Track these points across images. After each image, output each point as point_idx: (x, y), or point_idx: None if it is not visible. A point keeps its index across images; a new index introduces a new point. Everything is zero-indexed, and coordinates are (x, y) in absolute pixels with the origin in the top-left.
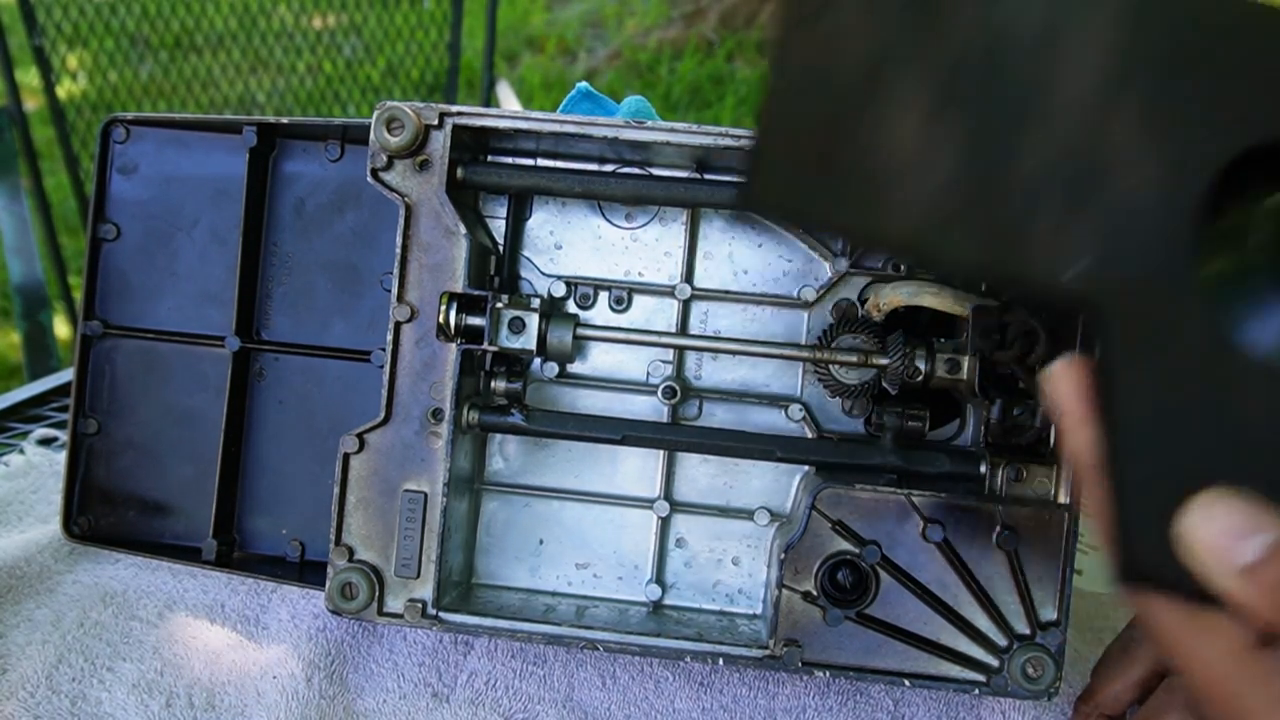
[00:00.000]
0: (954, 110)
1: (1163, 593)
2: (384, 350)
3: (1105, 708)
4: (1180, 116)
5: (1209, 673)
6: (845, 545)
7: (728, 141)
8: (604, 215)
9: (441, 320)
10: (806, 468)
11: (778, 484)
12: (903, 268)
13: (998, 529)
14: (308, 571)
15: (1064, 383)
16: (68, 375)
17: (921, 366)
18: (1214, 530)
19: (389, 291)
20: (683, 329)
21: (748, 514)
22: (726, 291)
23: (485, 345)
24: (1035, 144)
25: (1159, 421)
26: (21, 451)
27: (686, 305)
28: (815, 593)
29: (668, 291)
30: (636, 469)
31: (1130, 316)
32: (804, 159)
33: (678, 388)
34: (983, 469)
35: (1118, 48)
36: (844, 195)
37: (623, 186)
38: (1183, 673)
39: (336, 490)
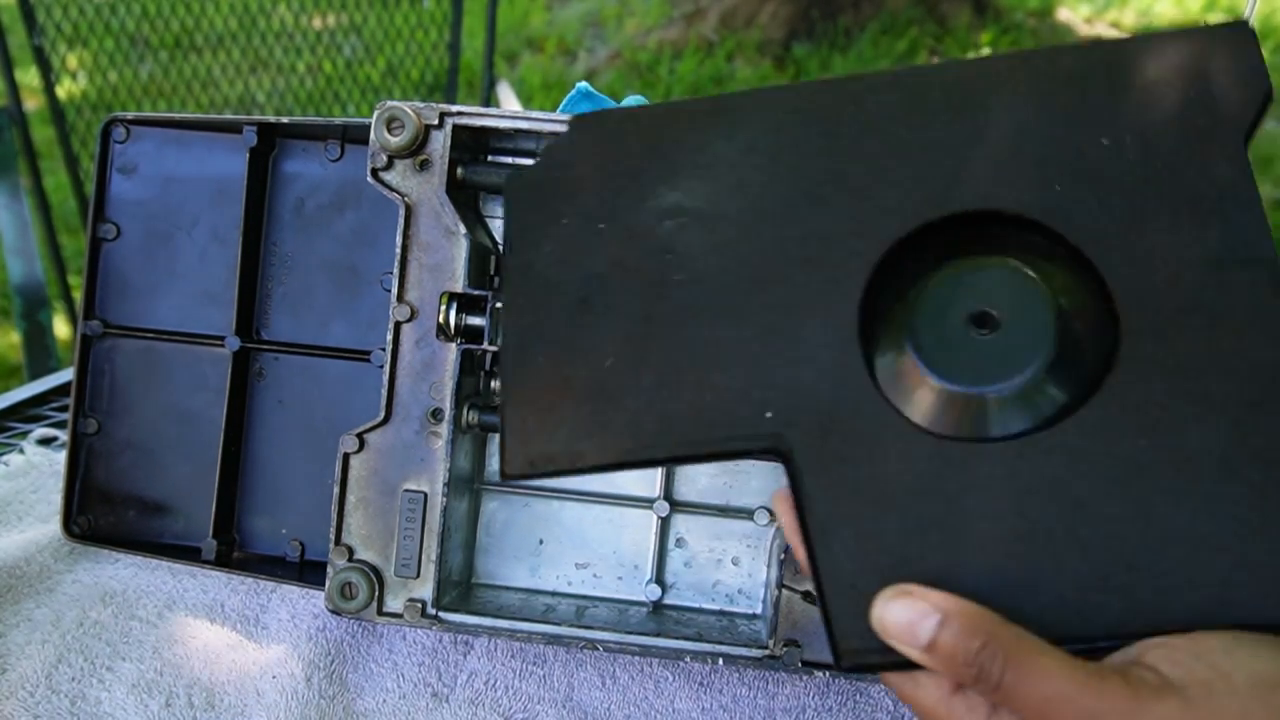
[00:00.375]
0: (635, 320)
1: (877, 666)
2: (384, 350)
3: None
4: (818, 245)
5: (927, 712)
6: None
7: None
8: None
9: (441, 320)
10: None
11: (778, 484)
12: None
13: None
14: (307, 571)
15: (782, 508)
16: (67, 375)
17: None
18: (897, 620)
19: (389, 291)
20: None
21: (748, 514)
22: None
23: (485, 345)
24: (703, 334)
25: (846, 532)
26: (21, 451)
27: None
28: (815, 592)
29: None
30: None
31: (815, 445)
32: (539, 410)
33: None
34: None
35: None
36: (582, 428)
37: None
38: (915, 711)
39: (336, 490)
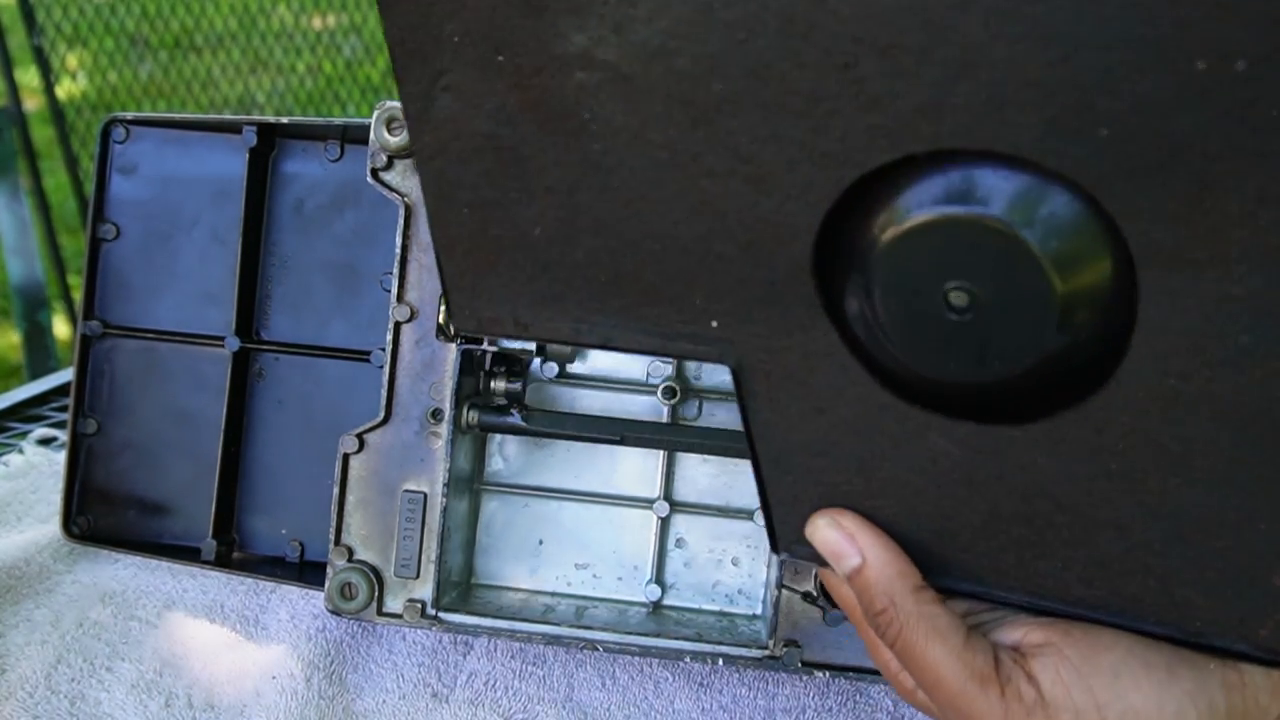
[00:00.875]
0: (589, 179)
1: (807, 559)
2: (383, 350)
3: None
4: (766, 150)
5: (844, 600)
6: None
7: None
8: None
9: (441, 320)
10: None
11: None
12: None
13: None
14: (307, 572)
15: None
16: (67, 375)
17: None
18: (830, 540)
19: (388, 291)
20: None
21: (748, 514)
22: None
23: (485, 345)
24: (636, 218)
25: (792, 446)
26: (21, 451)
27: None
28: (815, 593)
29: None
30: (636, 469)
31: (762, 363)
32: (476, 267)
33: (677, 388)
34: None
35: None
36: (521, 296)
37: None
38: (832, 595)
39: (336, 490)
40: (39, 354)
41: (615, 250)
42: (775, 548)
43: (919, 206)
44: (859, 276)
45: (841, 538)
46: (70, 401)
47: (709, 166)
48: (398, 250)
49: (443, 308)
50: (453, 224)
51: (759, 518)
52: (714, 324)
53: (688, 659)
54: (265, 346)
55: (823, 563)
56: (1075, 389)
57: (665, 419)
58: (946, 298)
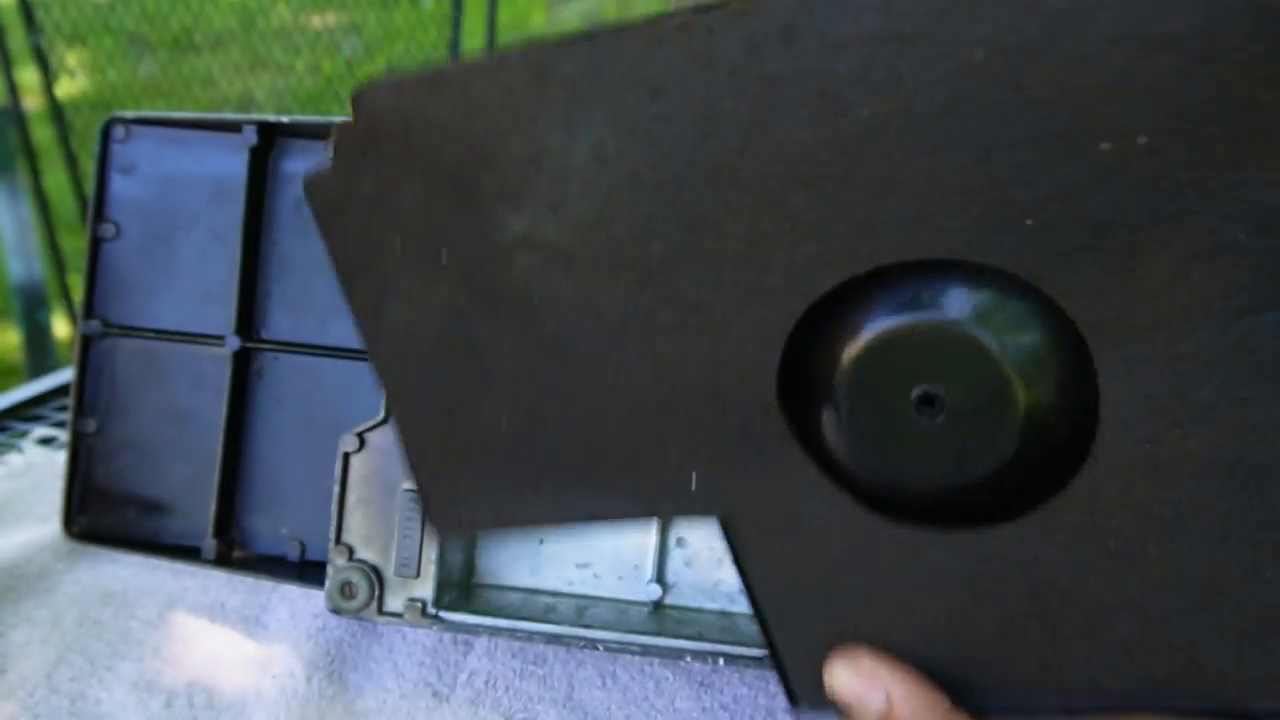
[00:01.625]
0: (537, 365)
1: (828, 710)
2: None
3: None
4: (717, 297)
5: None
6: None
7: None
8: None
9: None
10: None
11: None
12: None
13: None
14: (307, 571)
15: None
16: (67, 375)
17: None
18: (850, 686)
19: None
20: None
21: None
22: None
23: None
24: (600, 390)
25: (793, 591)
26: (21, 451)
27: None
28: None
29: None
30: None
31: (748, 511)
32: (448, 470)
33: None
34: None
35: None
36: (498, 490)
37: None
38: None
39: (336, 489)
40: (39, 354)
41: (584, 427)
42: (793, 701)
43: (871, 322)
44: (828, 402)
45: (861, 682)
46: (70, 400)
47: (662, 323)
48: None
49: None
50: (420, 430)
51: None
52: (693, 480)
53: (688, 658)
54: (266, 346)
55: (845, 713)
56: (1058, 472)
57: None
58: (915, 405)
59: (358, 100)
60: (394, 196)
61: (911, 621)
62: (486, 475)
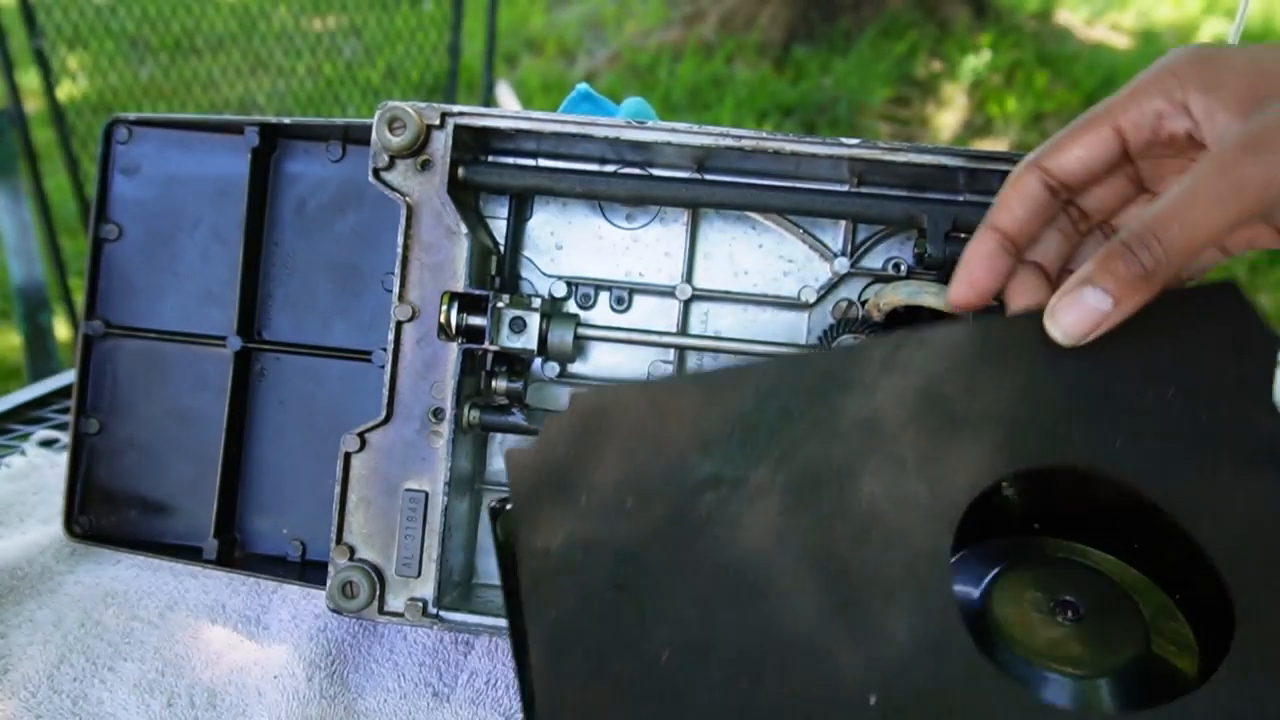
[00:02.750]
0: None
1: None
2: (385, 350)
3: (1054, 173)
4: (887, 515)
5: None
6: None
7: (728, 141)
8: (604, 216)
9: (443, 320)
10: None
11: None
12: (902, 268)
13: None
14: (309, 571)
15: None
16: (68, 377)
17: None
18: None
19: (390, 291)
20: (683, 329)
21: None
22: (727, 292)
23: (486, 345)
24: (774, 615)
25: None
26: (23, 453)
27: (687, 306)
28: None
29: (668, 292)
30: None
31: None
32: (593, 716)
33: None
34: None
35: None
36: None
37: (623, 186)
38: None
39: (338, 489)
40: (40, 356)
41: (752, 650)
42: None
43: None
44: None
45: None
46: (72, 401)
47: (842, 533)
48: (399, 250)
49: (444, 307)
50: (567, 672)
51: None
52: (872, 701)
53: None
54: (267, 346)
55: None
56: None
57: None
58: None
59: (574, 400)
60: (588, 464)
61: None
62: (630, 717)
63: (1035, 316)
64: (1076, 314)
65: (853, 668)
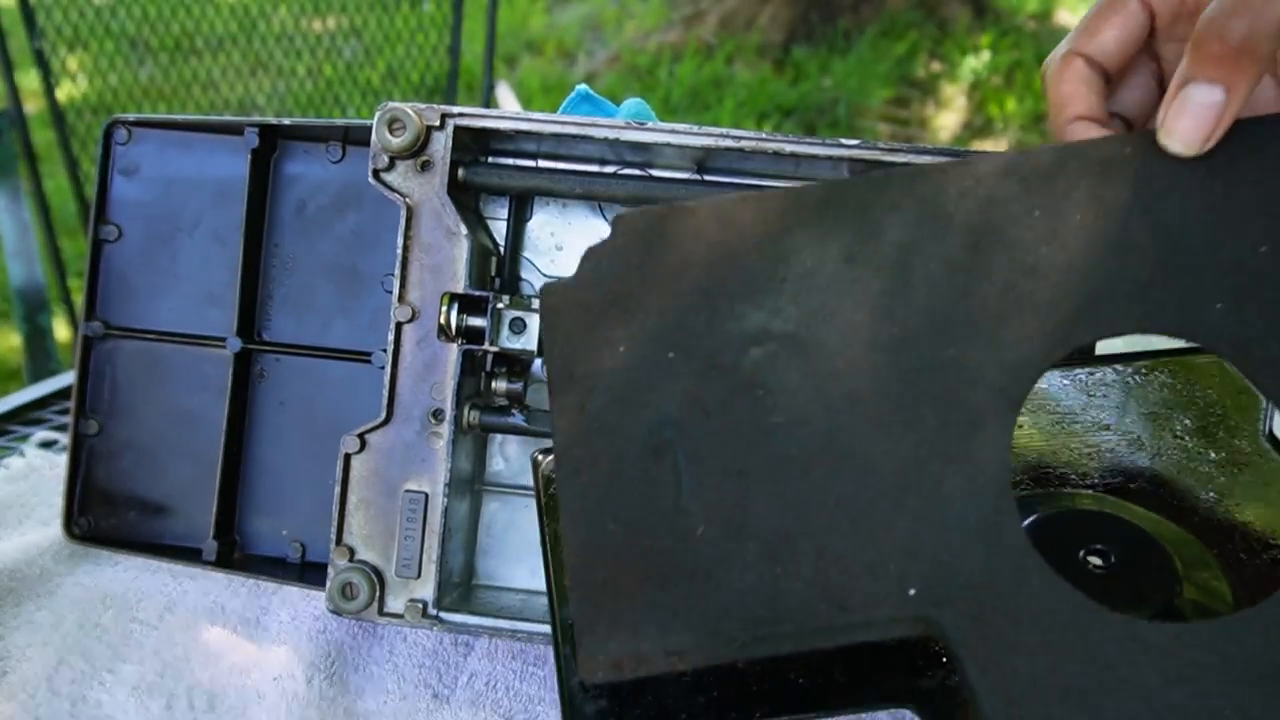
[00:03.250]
0: (732, 482)
1: None
2: (385, 351)
3: (1094, 57)
4: (948, 379)
5: None
6: None
7: (728, 142)
8: (605, 217)
9: (443, 321)
10: None
11: None
12: None
13: None
14: (308, 572)
15: None
16: (68, 378)
17: None
18: None
19: (390, 292)
20: None
21: None
22: None
23: (486, 346)
24: (816, 489)
25: (1023, 692)
26: (22, 454)
27: None
28: None
29: None
30: None
31: (975, 629)
32: (617, 596)
33: None
34: None
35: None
36: (675, 616)
37: (623, 187)
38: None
39: (337, 490)
40: (39, 357)
41: (795, 528)
42: None
43: None
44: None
45: None
46: (72, 402)
47: (898, 400)
48: (399, 251)
49: (444, 309)
50: (598, 544)
51: None
52: (911, 592)
53: None
54: (267, 347)
55: None
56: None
57: None
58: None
59: (617, 222)
60: (629, 305)
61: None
62: (663, 599)
63: (1135, 140)
64: (1191, 116)
65: (895, 557)
